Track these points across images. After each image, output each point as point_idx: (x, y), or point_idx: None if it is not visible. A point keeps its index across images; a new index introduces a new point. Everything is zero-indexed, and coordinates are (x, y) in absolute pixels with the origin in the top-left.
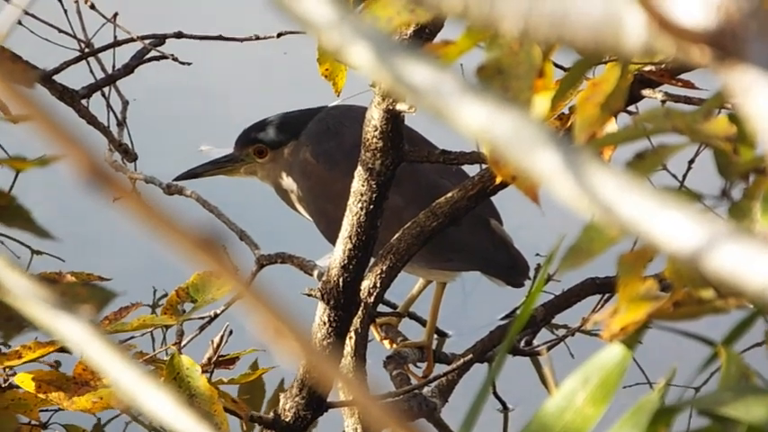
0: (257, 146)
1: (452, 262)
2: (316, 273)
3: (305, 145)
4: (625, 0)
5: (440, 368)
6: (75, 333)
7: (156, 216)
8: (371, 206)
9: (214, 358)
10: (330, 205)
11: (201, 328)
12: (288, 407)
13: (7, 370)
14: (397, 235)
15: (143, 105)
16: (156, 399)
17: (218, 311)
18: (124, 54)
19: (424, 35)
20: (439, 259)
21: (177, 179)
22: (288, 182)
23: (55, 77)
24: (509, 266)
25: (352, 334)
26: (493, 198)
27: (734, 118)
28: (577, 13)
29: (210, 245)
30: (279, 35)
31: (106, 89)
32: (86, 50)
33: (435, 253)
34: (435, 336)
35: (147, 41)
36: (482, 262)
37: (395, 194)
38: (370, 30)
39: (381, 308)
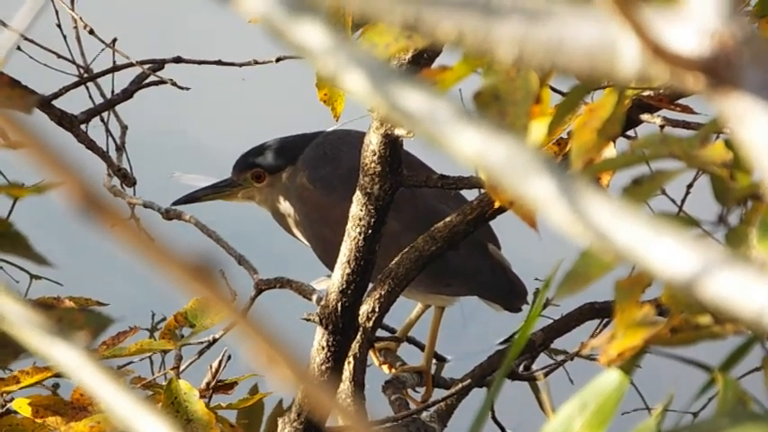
0: (255, 170)
1: (451, 287)
2: (314, 297)
3: (302, 170)
4: (619, 27)
5: (438, 393)
6: (71, 359)
7: (152, 244)
8: (370, 231)
9: (212, 383)
10: (327, 230)
11: (200, 353)
12: None
13: (5, 395)
14: (395, 260)
15: (142, 130)
16: (152, 424)
17: (217, 336)
18: (123, 79)
19: (423, 60)
20: (437, 284)
21: (176, 204)
22: (285, 207)
23: (54, 102)
24: (507, 291)
25: (351, 359)
26: (491, 222)
27: (730, 144)
28: (572, 39)
29: (206, 272)
30: (277, 60)
31: (105, 114)
32: (85, 75)
33: (434, 278)
34: (434, 360)
35: (145, 66)
36: (480, 287)
37: (393, 219)
38: (366, 56)
39: (380, 332)
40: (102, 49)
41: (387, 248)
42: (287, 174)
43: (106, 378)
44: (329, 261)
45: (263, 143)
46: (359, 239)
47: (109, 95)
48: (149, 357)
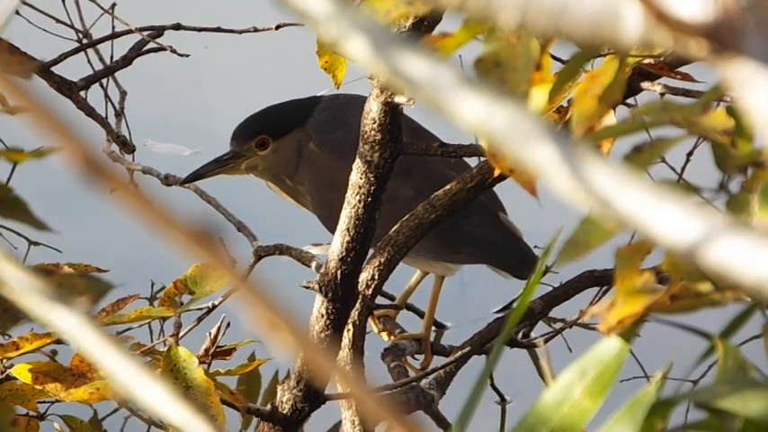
0: (260, 137)
1: (461, 254)
2: (314, 264)
3: (310, 134)
4: None
5: (438, 360)
6: (72, 325)
7: (153, 208)
8: (369, 199)
9: (211, 350)
10: (334, 194)
11: (199, 320)
12: (285, 399)
13: (4, 361)
14: (395, 227)
15: (142, 96)
16: (152, 390)
17: (216, 303)
18: (122, 45)
19: (423, 27)
20: (447, 251)
21: (183, 182)
22: (289, 172)
23: (53, 69)
24: (519, 260)
25: (350, 326)
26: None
27: (732, 111)
28: (575, 5)
29: (207, 237)
30: (277, 27)
31: (104, 80)
32: (85, 42)
33: (445, 245)
34: (433, 328)
35: (145, 33)
36: (493, 255)
37: (406, 186)
38: (368, 22)
39: (379, 300)
40: (101, 15)
41: (400, 214)
42: (292, 138)
43: (107, 344)
44: (334, 226)
45: (257, 111)
46: (358, 207)
47: (108, 62)
48: (148, 324)
